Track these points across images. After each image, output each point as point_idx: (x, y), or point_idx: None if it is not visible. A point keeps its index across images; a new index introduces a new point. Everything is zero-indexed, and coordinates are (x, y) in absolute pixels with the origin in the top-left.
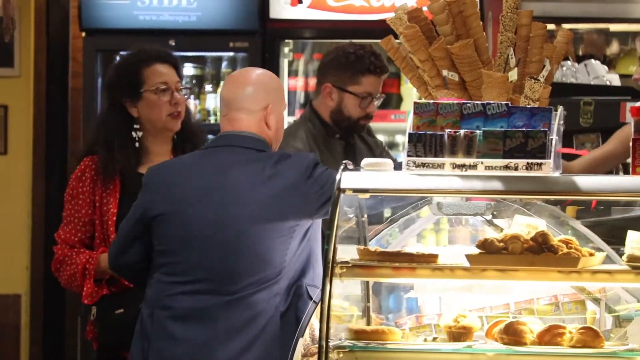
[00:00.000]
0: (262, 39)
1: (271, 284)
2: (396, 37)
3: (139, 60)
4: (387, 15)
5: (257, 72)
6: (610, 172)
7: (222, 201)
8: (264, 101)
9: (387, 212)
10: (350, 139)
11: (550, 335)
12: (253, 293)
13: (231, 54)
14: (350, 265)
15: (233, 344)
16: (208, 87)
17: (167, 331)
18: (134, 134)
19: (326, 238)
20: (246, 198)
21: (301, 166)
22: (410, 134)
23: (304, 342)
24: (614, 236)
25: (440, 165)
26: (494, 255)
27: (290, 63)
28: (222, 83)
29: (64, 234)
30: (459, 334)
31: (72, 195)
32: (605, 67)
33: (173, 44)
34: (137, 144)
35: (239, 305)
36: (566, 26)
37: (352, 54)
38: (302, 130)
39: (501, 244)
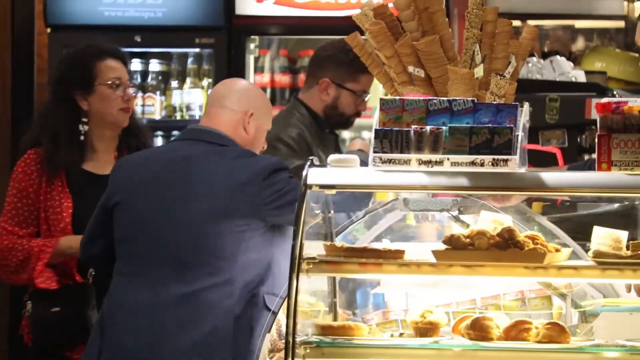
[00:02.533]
0: (228, 35)
1: (221, 284)
2: (362, 33)
3: (92, 55)
4: (353, 12)
5: (252, 84)
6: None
7: (173, 193)
8: (248, 105)
9: (354, 208)
10: (338, 134)
11: (517, 331)
12: (202, 290)
13: (197, 50)
14: (317, 261)
15: (183, 339)
16: (174, 84)
17: (119, 323)
18: (80, 127)
19: (293, 234)
20: (197, 191)
21: (258, 166)
22: (376, 130)
23: (271, 338)
24: (580, 232)
25: (407, 162)
26: (460, 251)
27: (256, 59)
28: (188, 79)
29: (11, 227)
30: (426, 329)
31: (20, 189)
32: (571, 64)
33: (139, 40)
34: (82, 138)
35: (188, 301)
36: (532, 22)
37: (351, 51)
38: (294, 119)
39: (467, 240)
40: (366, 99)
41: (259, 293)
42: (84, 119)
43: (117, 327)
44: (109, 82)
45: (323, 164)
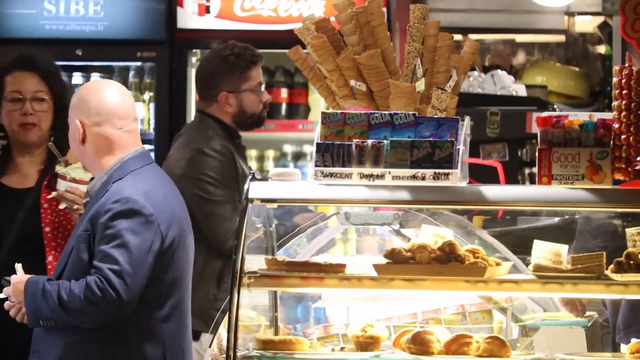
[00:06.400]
0: (169, 49)
1: None
2: (304, 47)
3: (1, 68)
4: (294, 26)
5: (88, 85)
6: (517, 182)
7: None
8: (76, 114)
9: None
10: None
11: (457, 345)
12: None
13: (139, 63)
14: (258, 275)
15: None
16: None
17: None
18: None
19: (234, 248)
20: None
21: None
22: (318, 144)
23: (212, 353)
24: (520, 246)
25: (348, 175)
26: (401, 265)
27: None
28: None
29: None
30: (367, 343)
31: None
32: (512, 78)
33: (80, 53)
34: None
35: None
36: (473, 37)
37: (230, 55)
38: (210, 131)
39: (408, 254)
40: (263, 89)
41: None
42: (1, 134)
43: None
44: (9, 97)
45: (265, 178)
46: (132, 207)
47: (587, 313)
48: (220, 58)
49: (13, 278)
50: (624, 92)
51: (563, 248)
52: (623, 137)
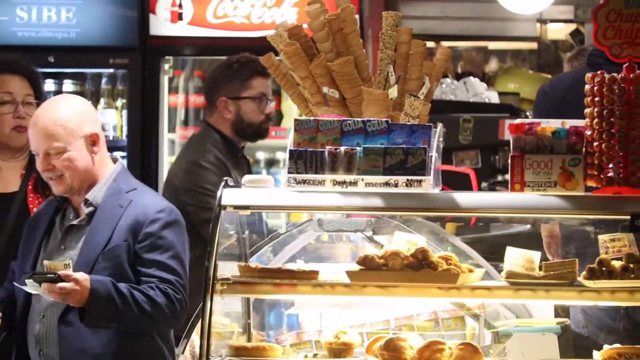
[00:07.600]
0: (142, 56)
1: None
2: (277, 54)
3: None
4: (267, 33)
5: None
6: (493, 189)
7: None
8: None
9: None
10: (246, 157)
11: (430, 351)
12: None
13: (111, 70)
14: (231, 281)
15: None
16: None
17: None
18: None
19: (207, 255)
20: None
21: None
22: (290, 151)
23: (184, 359)
24: (493, 252)
25: (321, 182)
26: (374, 271)
27: (171, 80)
28: (102, 100)
29: None
30: (340, 350)
31: None
32: (484, 85)
33: (52, 60)
34: None
35: None
36: (445, 44)
37: (235, 62)
38: (209, 144)
39: (381, 261)
40: (270, 103)
41: None
42: None
43: None
44: (0, 99)
45: (238, 185)
46: (176, 218)
47: (560, 319)
48: (226, 64)
49: (78, 275)
50: (596, 99)
51: (535, 255)
52: (595, 144)
